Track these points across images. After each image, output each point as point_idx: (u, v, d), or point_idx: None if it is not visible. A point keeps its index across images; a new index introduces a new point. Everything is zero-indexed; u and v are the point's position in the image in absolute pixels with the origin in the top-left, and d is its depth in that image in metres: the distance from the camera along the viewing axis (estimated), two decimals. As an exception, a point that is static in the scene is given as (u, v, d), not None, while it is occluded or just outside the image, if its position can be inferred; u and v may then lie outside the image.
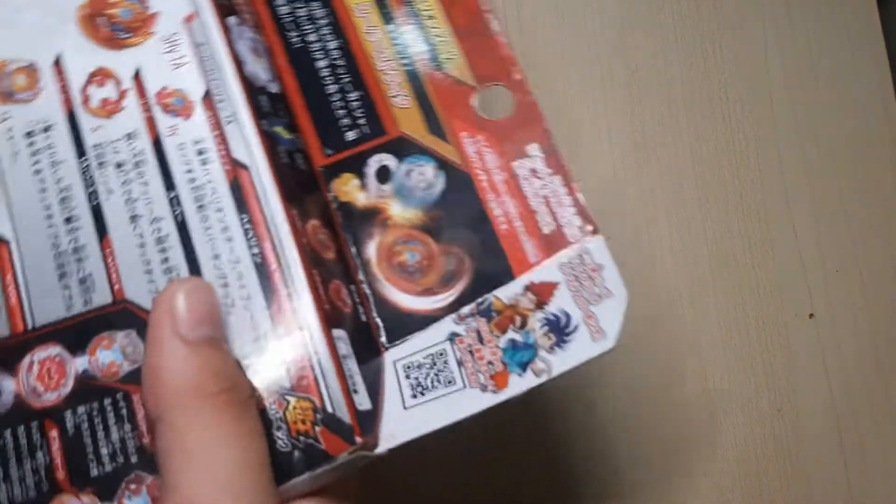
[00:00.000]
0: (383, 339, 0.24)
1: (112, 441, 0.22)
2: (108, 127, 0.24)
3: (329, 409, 0.22)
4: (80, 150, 0.24)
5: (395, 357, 0.24)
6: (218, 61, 0.25)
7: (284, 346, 0.22)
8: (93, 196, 0.24)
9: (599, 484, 0.35)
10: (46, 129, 0.24)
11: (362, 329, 0.24)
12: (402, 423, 0.24)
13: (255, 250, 0.23)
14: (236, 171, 0.24)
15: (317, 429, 0.22)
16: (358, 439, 0.22)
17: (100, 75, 0.25)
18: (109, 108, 0.25)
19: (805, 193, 0.40)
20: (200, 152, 0.24)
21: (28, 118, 0.24)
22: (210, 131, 0.24)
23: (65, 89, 0.25)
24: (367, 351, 0.24)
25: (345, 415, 0.22)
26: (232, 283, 0.23)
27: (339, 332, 0.23)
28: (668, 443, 0.36)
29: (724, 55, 0.41)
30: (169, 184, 0.24)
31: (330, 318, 0.23)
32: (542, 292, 0.26)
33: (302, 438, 0.21)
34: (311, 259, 0.23)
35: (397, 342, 0.24)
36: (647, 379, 0.37)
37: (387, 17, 0.27)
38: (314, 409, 0.22)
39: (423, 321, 0.25)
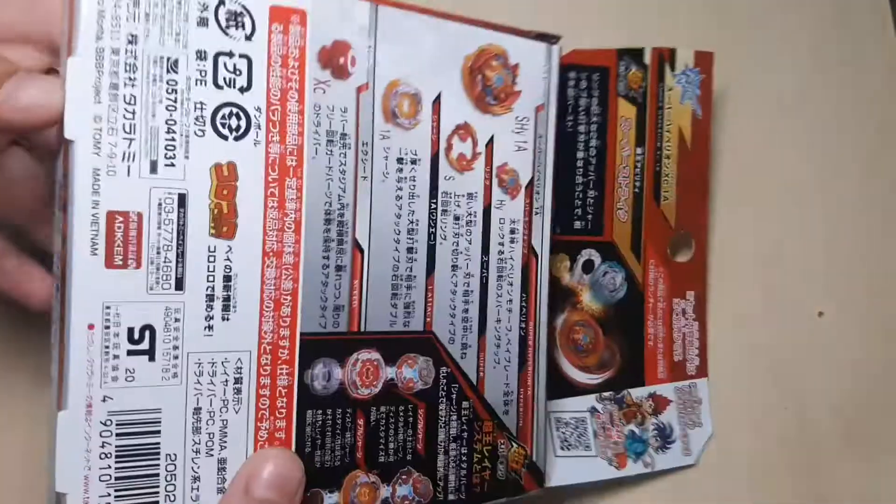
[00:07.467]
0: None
1: (398, 439, 0.26)
2: (457, 180, 0.27)
3: (534, 459, 0.29)
4: (434, 193, 0.27)
5: (550, 409, 0.31)
6: (546, 159, 0.29)
7: (519, 404, 0.29)
8: (432, 236, 0.27)
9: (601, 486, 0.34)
10: (414, 162, 0.26)
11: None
12: (554, 469, 0.31)
13: (523, 326, 0.29)
14: (529, 257, 0.29)
15: (523, 471, 0.29)
16: (546, 484, 0.30)
17: (464, 130, 0.27)
18: (463, 165, 0.27)
19: (814, 191, 0.38)
20: (512, 231, 0.28)
21: (402, 144, 0.26)
22: (523, 216, 0.29)
23: (436, 130, 0.27)
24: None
25: (542, 464, 0.29)
26: (502, 346, 0.28)
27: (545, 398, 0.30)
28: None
29: (735, 54, 0.38)
30: (485, 248, 0.28)
31: (549, 391, 0.30)
32: (659, 403, 0.33)
33: (513, 474, 0.28)
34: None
35: (554, 399, 0.31)
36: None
37: (639, 140, 0.33)
38: (525, 456, 0.29)
39: (575, 390, 0.32)
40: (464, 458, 0.27)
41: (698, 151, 0.34)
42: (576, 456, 0.31)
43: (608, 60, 0.32)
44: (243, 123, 0.23)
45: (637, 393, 0.32)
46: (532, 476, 0.29)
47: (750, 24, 0.39)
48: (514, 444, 0.29)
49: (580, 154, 0.32)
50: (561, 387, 0.31)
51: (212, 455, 0.23)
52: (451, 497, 0.27)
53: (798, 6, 0.40)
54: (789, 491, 0.35)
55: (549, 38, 0.29)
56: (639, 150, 0.33)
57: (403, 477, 0.26)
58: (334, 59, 0.25)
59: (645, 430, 0.32)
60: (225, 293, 0.23)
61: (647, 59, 0.33)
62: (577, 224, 0.32)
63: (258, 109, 0.23)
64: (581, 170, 0.32)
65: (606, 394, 0.32)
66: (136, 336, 0.22)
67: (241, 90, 0.23)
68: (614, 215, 0.32)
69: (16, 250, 0.25)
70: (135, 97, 0.22)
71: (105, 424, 0.22)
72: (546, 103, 0.29)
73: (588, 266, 0.32)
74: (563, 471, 0.31)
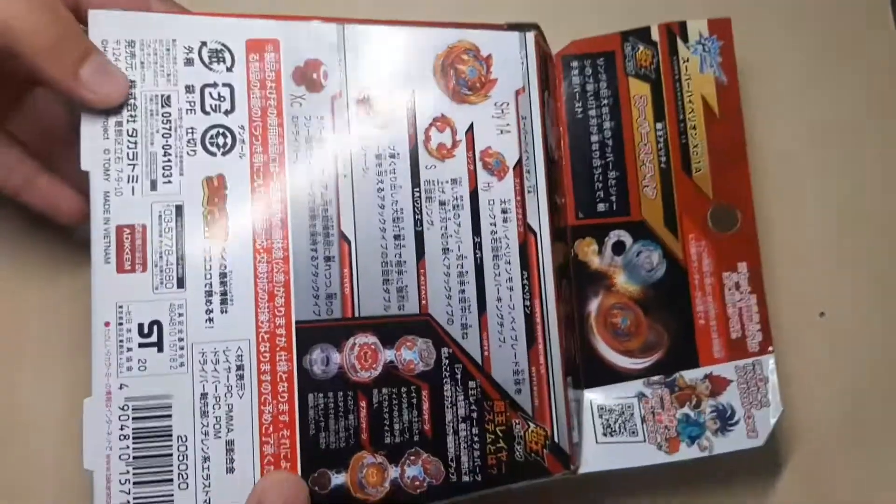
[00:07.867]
0: (582, 381, 0.30)
1: (403, 420, 0.27)
2: (439, 168, 0.28)
3: (556, 440, 0.28)
4: (416, 182, 0.28)
5: (591, 397, 0.30)
6: (533, 139, 0.29)
7: (532, 382, 0.28)
8: (418, 223, 0.28)
9: (607, 485, 0.34)
10: (393, 156, 0.28)
11: (576, 367, 0.30)
12: (593, 455, 0.29)
13: (527, 303, 0.28)
14: (527, 235, 0.29)
15: (545, 451, 0.28)
16: (572, 466, 0.28)
17: (441, 121, 0.29)
18: (444, 153, 0.29)
19: (817, 190, 0.37)
20: (504, 211, 0.29)
21: (380, 141, 0.28)
22: (514, 196, 0.29)
23: (412, 125, 0.28)
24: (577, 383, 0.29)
25: (566, 445, 0.28)
26: (506, 324, 0.28)
27: (569, 380, 0.29)
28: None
29: (736, 54, 0.36)
30: (476, 230, 0.28)
31: (566, 367, 0.29)
32: (717, 384, 0.30)
33: (533, 455, 0.28)
34: (565, 318, 0.29)
35: (595, 387, 0.30)
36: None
37: (658, 115, 0.32)
38: (546, 437, 0.28)
39: (619, 375, 0.30)
40: (475, 439, 0.27)
41: (728, 118, 0.32)
42: (620, 442, 0.29)
43: (612, 45, 0.32)
44: (229, 140, 0.26)
45: (691, 375, 0.30)
46: (556, 457, 0.28)
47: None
48: (531, 423, 0.27)
49: (594, 137, 0.32)
50: (602, 373, 0.30)
51: (220, 437, 0.25)
52: (465, 478, 0.26)
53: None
54: (789, 490, 0.35)
55: (522, 27, 0.30)
56: (658, 126, 0.32)
57: (412, 458, 0.26)
58: (308, 76, 0.27)
59: (701, 412, 0.29)
60: (222, 288, 0.26)
61: (655, 35, 0.32)
62: (601, 206, 0.31)
63: (242, 127, 0.27)
64: (597, 152, 0.31)
65: (655, 378, 0.30)
66: (146, 330, 0.25)
67: (226, 113, 0.27)
68: (641, 193, 0.31)
69: (48, 172, 0.28)
70: (136, 130, 0.26)
71: (123, 409, 0.24)
72: (526, 86, 0.30)
73: (619, 247, 0.31)
74: (604, 456, 0.29)
